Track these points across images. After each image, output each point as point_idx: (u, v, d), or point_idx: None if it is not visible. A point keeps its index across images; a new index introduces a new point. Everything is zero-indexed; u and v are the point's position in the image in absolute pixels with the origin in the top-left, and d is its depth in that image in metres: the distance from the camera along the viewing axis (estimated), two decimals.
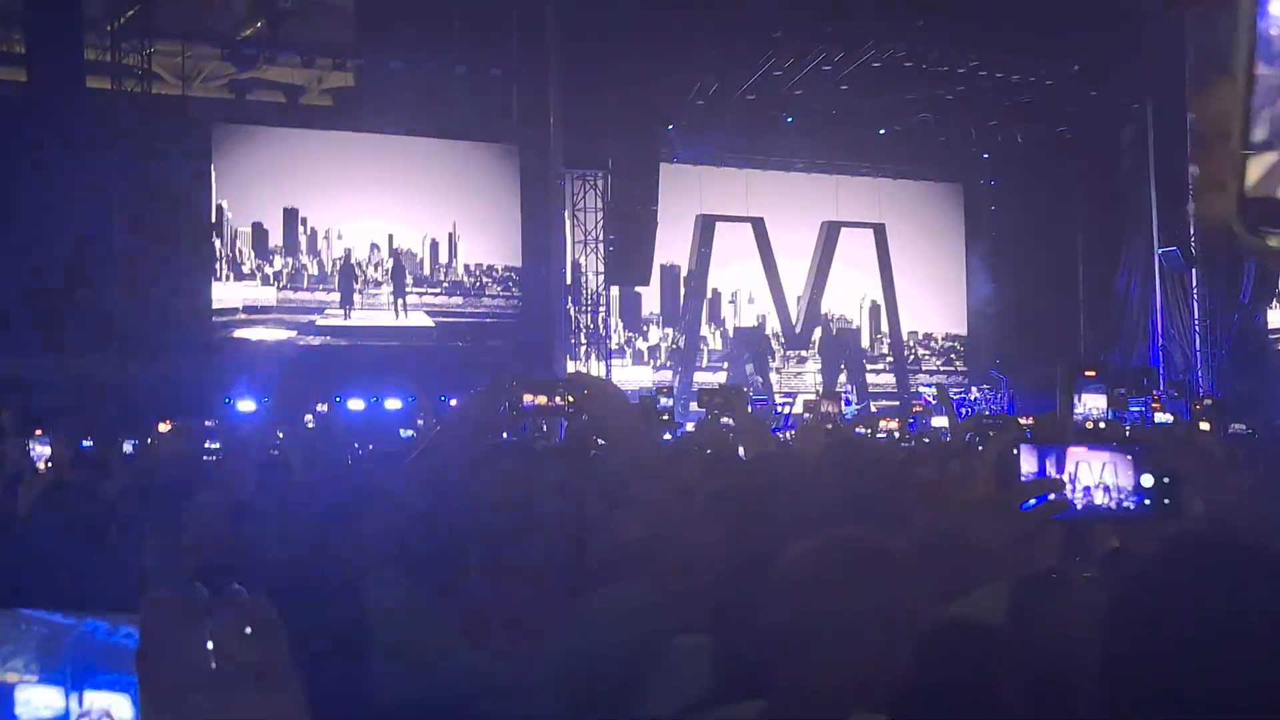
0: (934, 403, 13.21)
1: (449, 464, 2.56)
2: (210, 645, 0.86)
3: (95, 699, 0.96)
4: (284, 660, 0.87)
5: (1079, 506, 1.47)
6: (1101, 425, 5.03)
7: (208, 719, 0.84)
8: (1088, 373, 4.82)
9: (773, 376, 18.85)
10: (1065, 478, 1.46)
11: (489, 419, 2.86)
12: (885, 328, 20.47)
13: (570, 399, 2.88)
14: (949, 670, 1.54)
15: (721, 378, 17.60)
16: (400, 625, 1.99)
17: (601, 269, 17.60)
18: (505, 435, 3.14)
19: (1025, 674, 1.57)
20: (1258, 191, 0.61)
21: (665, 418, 8.40)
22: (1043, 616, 1.59)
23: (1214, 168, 0.62)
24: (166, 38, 15.64)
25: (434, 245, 16.83)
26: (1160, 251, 17.70)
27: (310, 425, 10.37)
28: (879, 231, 20.39)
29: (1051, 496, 1.46)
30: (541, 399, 2.96)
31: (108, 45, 15.04)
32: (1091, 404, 6.00)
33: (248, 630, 0.86)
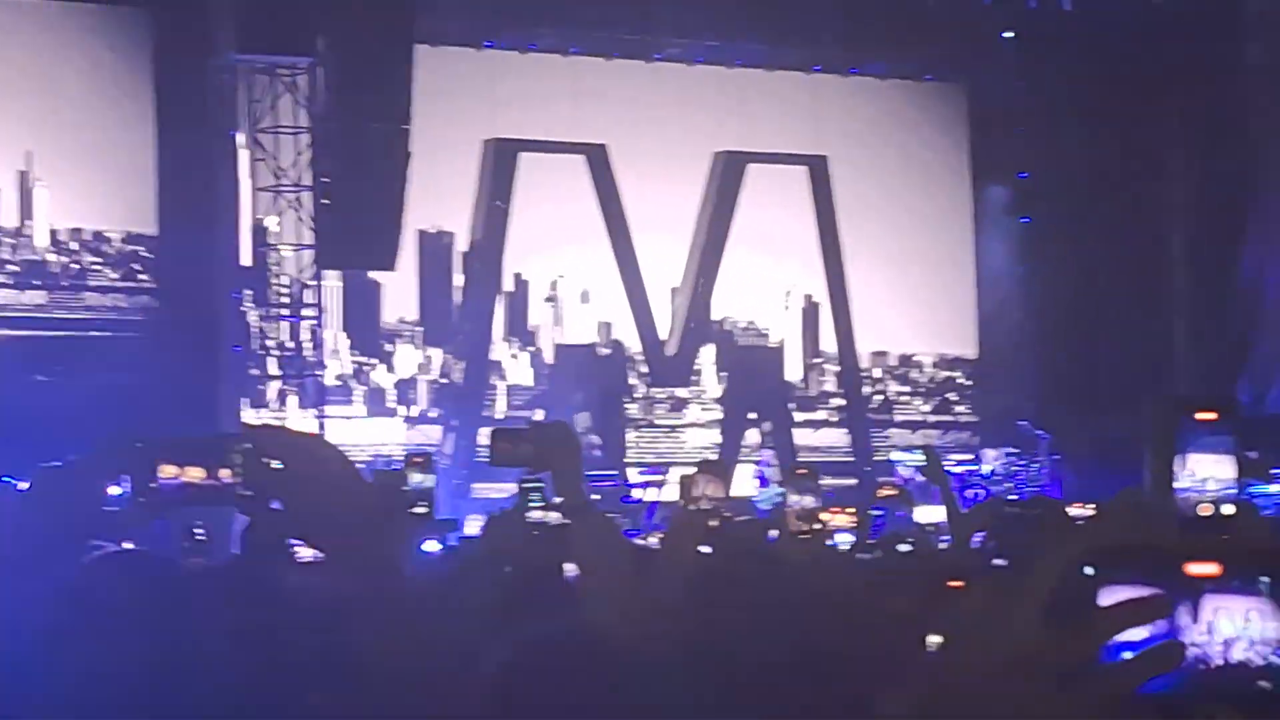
0: (918, 480, 13.22)
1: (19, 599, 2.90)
2: None
3: None
4: None
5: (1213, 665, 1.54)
6: (1226, 510, 4.35)
7: None
8: (1202, 415, 4.17)
9: (629, 435, 19.33)
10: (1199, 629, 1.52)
11: (89, 514, 3.17)
12: (831, 346, 21.06)
13: (250, 473, 2.92)
14: None
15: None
16: None
17: (308, 240, 17.84)
18: (121, 544, 3.47)
19: None
20: None
21: (423, 510, 8.51)
22: None
23: None
24: None
25: None
26: None
27: None
28: (817, 170, 21.03)
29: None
30: (194, 473, 3.05)
31: None
32: (1207, 471, 4.87)
33: None
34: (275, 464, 2.83)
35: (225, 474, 2.97)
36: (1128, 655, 1.45)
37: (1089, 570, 1.51)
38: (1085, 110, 21.23)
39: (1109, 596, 1.50)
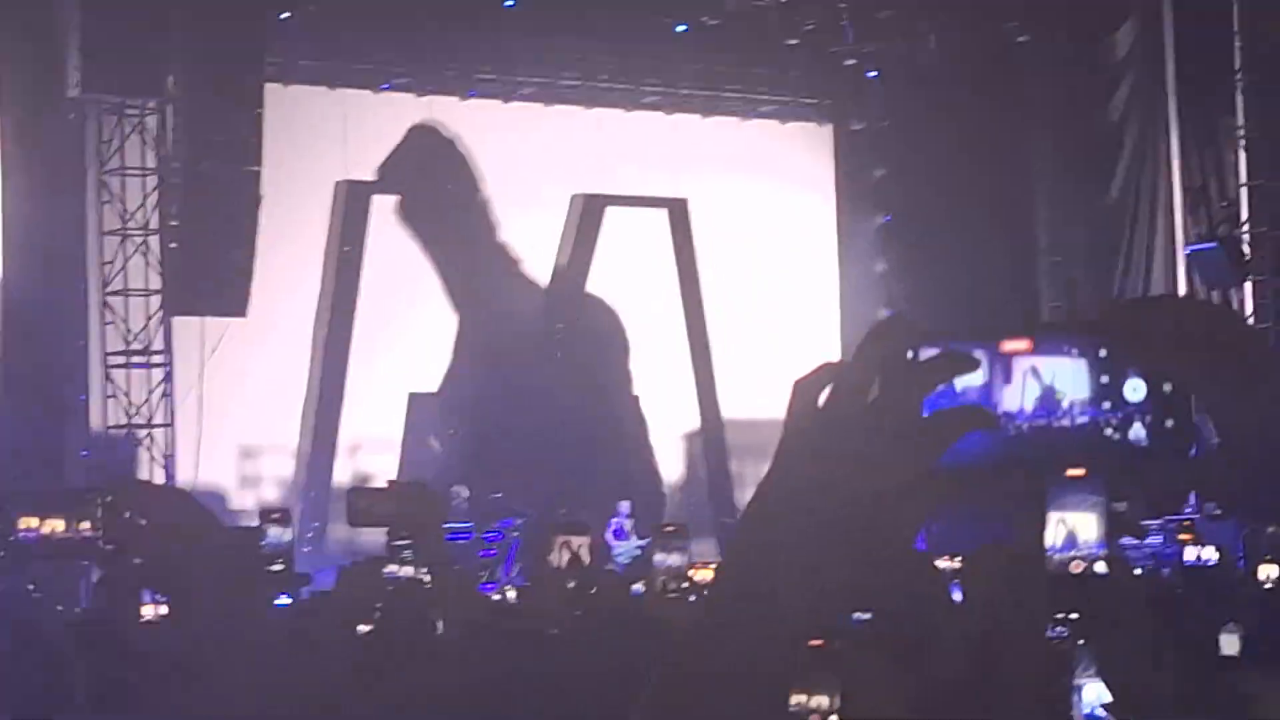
0: None
1: None
2: None
3: None
4: None
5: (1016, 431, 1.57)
6: (1099, 568, 3.89)
7: None
8: (1071, 471, 2.43)
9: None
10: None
11: None
12: (692, 401, 21.66)
13: (111, 527, 3.39)
14: None
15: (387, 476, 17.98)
16: None
17: (157, 285, 17.95)
18: None
19: None
20: None
21: (279, 568, 9.20)
22: None
23: None
24: None
25: None
26: (1188, 250, 20.14)
27: None
28: (676, 212, 21.49)
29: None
30: (54, 525, 3.46)
31: None
32: (1077, 529, 4.01)
33: None
34: (139, 519, 2.96)
35: (85, 527, 3.33)
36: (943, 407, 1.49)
37: (910, 356, 1.50)
38: (952, 146, 21.50)
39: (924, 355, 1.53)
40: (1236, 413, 1.64)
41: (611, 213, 21.46)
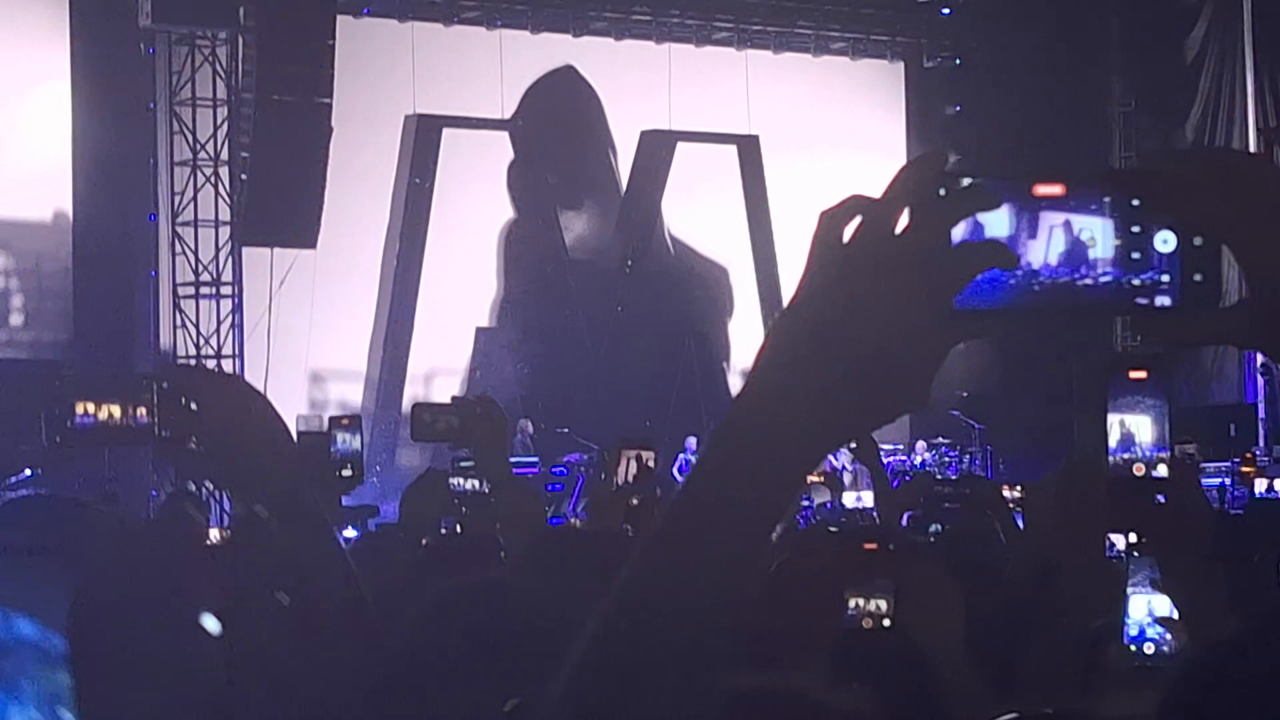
0: (848, 466, 14.29)
1: None
2: None
3: None
4: None
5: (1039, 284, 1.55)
6: (1160, 471, 3.69)
7: None
8: (1133, 374, 3.48)
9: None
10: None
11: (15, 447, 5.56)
12: (759, 325, 22.20)
13: (168, 413, 2.93)
14: None
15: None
16: None
17: (227, 217, 18.38)
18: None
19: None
20: None
21: (349, 473, 7.48)
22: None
23: None
24: None
25: None
26: None
27: None
28: (747, 149, 22.24)
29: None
30: (110, 410, 2.99)
31: None
32: (1138, 431, 4.17)
33: None
34: (193, 402, 2.81)
35: (142, 413, 2.90)
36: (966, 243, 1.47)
37: (941, 192, 1.50)
38: (1025, 86, 21.99)
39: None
40: (1272, 260, 1.60)
41: (682, 148, 21.75)
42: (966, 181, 1.50)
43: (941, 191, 1.48)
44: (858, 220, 1.44)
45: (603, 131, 22.46)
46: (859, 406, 1.45)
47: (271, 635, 2.89)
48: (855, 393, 1.44)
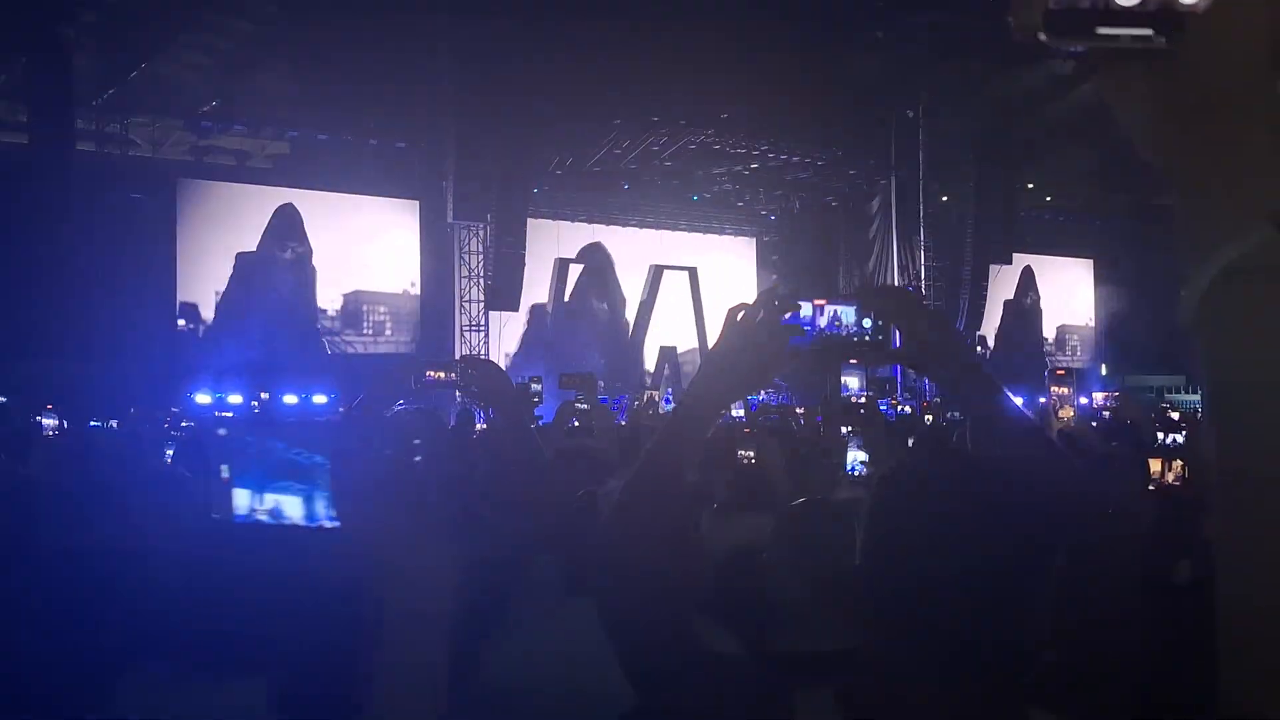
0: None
1: (370, 422, 4.12)
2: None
3: (272, 498, 3.32)
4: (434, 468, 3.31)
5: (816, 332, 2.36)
6: (862, 401, 10.23)
7: (372, 511, 2.76)
8: (852, 360, 6.38)
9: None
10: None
11: (401, 388, 4.60)
12: (695, 345, 31.10)
13: (464, 376, 4.35)
14: (732, 584, 2.84)
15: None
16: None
17: (482, 298, 26.65)
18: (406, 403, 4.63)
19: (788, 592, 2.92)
20: (1059, 3, 1.02)
21: (536, 400, 12.87)
22: (804, 539, 3.02)
23: None
24: (140, 112, 24.91)
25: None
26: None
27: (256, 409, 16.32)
28: (693, 274, 31.78)
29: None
30: (440, 374, 4.49)
31: (94, 116, 23.46)
32: (850, 382, 16.25)
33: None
34: (474, 370, 4.32)
35: (454, 376, 4.29)
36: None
37: (776, 302, 2.35)
38: (801, 240, 31.46)
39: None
40: (906, 327, 2.46)
41: (667, 274, 30.63)
42: (788, 302, 2.26)
43: (776, 302, 2.27)
44: (743, 312, 2.28)
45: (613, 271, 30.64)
46: (742, 383, 2.32)
47: (500, 469, 4.40)
48: (740, 378, 2.30)
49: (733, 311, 2.35)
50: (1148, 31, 1.01)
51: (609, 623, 2.28)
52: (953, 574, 1.91)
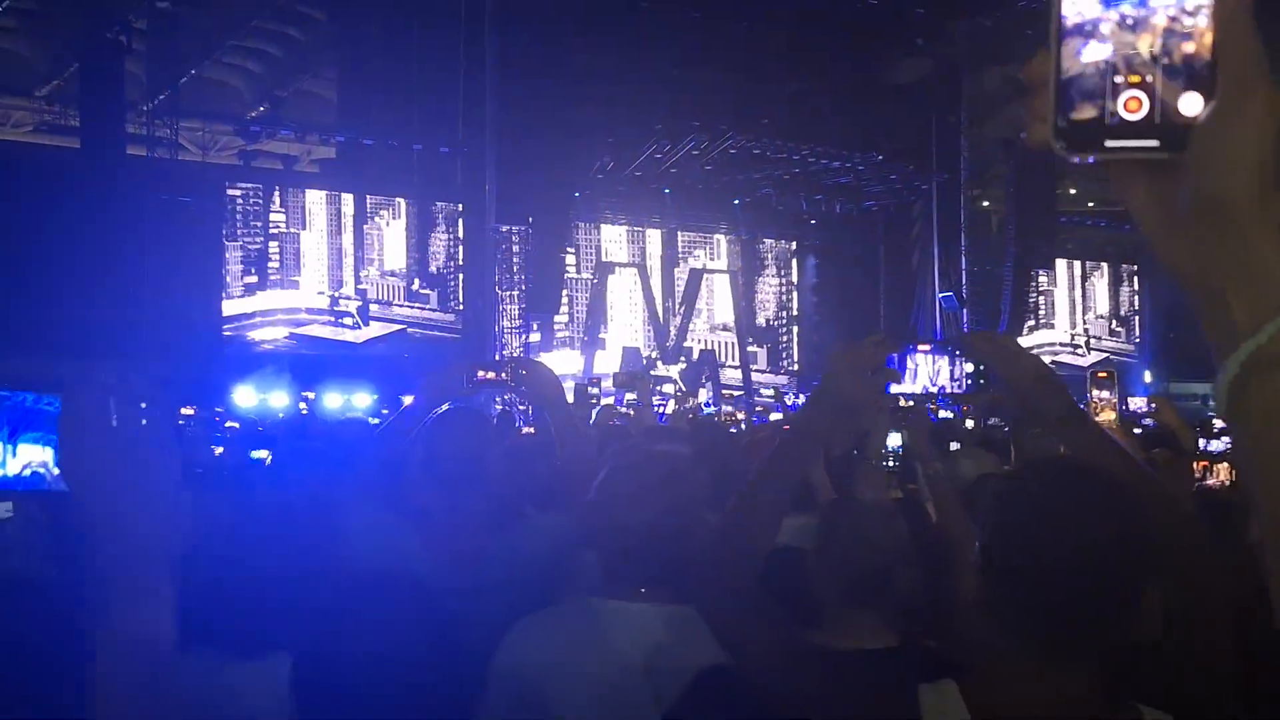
0: (773, 401, 22.05)
1: (419, 421, 4.14)
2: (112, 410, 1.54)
3: (26, 451, 1.72)
4: (169, 425, 1.66)
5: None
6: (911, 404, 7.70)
7: (108, 464, 1.57)
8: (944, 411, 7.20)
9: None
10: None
11: (451, 388, 4.45)
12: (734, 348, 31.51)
13: (513, 377, 4.34)
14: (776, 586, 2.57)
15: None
16: (372, 544, 3.52)
17: (523, 302, 25.65)
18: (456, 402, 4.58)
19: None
20: (1066, 120, 1.05)
21: (593, 402, 12.95)
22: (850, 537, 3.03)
23: (1036, 106, 1.06)
24: (190, 116, 25.13)
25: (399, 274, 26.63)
26: (940, 296, 28.81)
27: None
28: (733, 277, 31.92)
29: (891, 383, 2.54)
30: (490, 375, 4.40)
31: (144, 121, 23.40)
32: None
33: (141, 402, 1.61)
34: (523, 371, 4.32)
35: (504, 376, 4.30)
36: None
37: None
38: (842, 246, 31.06)
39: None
40: (1001, 370, 2.57)
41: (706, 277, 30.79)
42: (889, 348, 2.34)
43: (876, 347, 2.39)
44: (848, 354, 2.42)
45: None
46: (841, 419, 2.41)
47: (552, 469, 4.54)
48: (840, 413, 2.40)
49: (838, 354, 2.45)
50: (1154, 143, 1.05)
51: (717, 626, 2.42)
52: (1081, 581, 2.03)
